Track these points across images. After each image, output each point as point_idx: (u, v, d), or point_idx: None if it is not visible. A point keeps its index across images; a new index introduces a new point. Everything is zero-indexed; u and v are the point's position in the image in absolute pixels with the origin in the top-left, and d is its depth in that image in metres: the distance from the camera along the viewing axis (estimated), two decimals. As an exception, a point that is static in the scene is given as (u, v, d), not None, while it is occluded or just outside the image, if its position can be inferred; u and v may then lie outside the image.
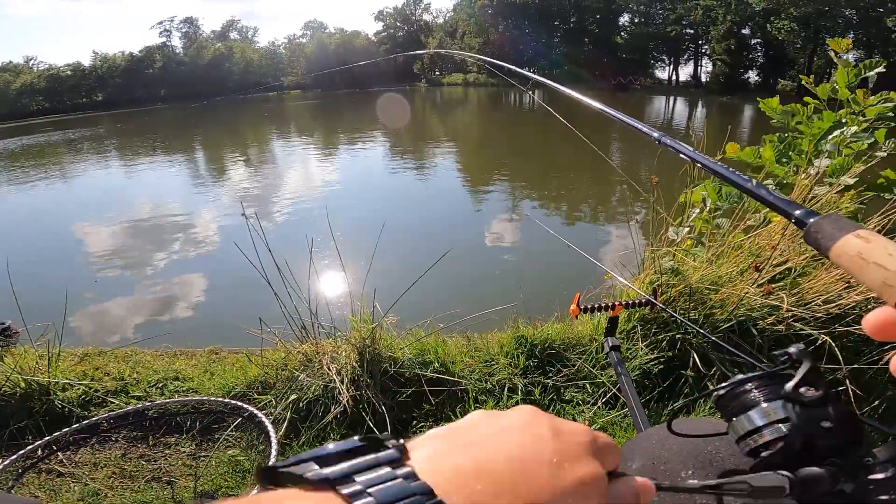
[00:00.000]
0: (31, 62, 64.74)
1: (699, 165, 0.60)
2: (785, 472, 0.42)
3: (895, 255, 0.35)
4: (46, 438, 2.17)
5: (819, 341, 1.99)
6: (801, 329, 2.05)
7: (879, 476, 0.41)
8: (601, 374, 2.33)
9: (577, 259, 2.05)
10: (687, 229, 2.54)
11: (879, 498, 0.40)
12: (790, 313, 2.08)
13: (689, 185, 2.59)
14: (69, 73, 62.56)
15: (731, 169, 0.55)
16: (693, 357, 2.19)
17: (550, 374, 2.39)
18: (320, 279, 2.70)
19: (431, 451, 0.29)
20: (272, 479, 0.27)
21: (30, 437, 2.20)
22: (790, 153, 2.56)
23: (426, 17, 73.32)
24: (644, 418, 1.08)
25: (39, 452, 2.16)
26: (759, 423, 0.49)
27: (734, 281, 2.24)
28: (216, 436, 2.25)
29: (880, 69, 2.41)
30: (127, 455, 2.18)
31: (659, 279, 2.33)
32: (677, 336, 2.29)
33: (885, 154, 2.38)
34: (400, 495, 0.24)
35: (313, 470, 0.26)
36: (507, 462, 0.29)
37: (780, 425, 0.47)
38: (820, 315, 2.02)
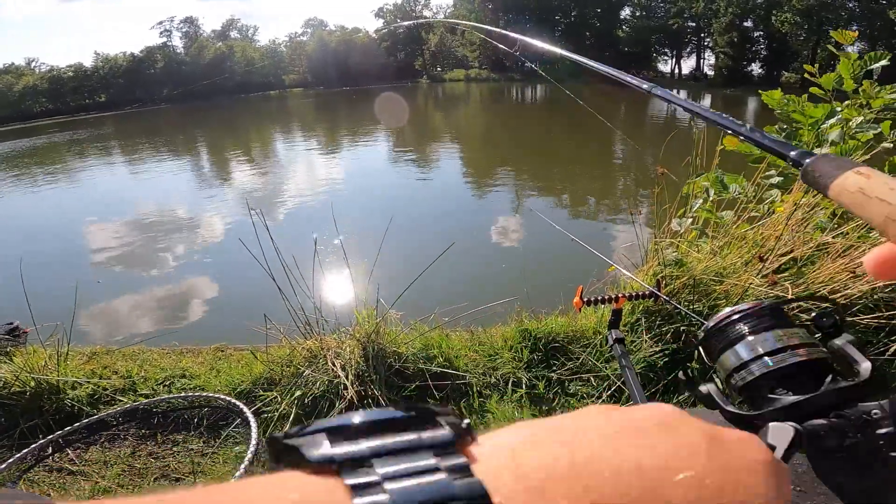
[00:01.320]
0: (33, 64, 64.99)
1: (693, 113, 0.58)
2: (793, 424, 0.38)
3: None
4: (51, 437, 2.19)
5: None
6: (807, 320, 2.05)
7: (887, 430, 0.38)
8: (605, 368, 2.33)
9: (580, 252, 2.05)
10: (690, 220, 2.53)
11: (891, 454, 0.38)
12: (795, 304, 2.07)
13: (691, 176, 2.58)
14: (71, 73, 62.72)
15: (724, 115, 0.53)
16: (698, 349, 2.19)
17: (554, 368, 2.40)
18: (325, 276, 2.71)
19: (507, 439, 0.21)
20: (275, 454, 0.21)
21: (41, 436, 2.22)
22: (792, 143, 2.55)
23: (426, 13, 73.15)
24: None
25: (50, 450, 2.18)
26: (746, 356, 0.48)
27: (738, 272, 2.24)
28: (223, 432, 2.27)
29: (884, 62, 2.40)
30: (136, 453, 2.19)
31: (663, 271, 2.32)
32: (682, 328, 2.29)
33: (892, 145, 2.37)
34: (433, 496, 0.17)
35: (320, 446, 0.19)
36: (620, 469, 0.20)
37: (767, 359, 0.46)
38: (826, 305, 2.01)
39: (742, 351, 0.49)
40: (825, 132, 2.40)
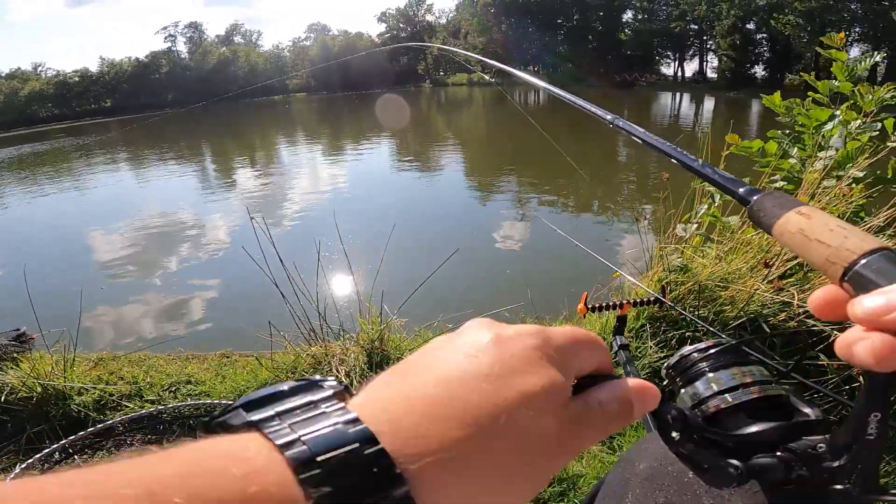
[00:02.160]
0: (39, 68, 65.50)
1: (650, 146, 0.58)
2: (735, 462, 0.43)
3: (836, 231, 0.34)
4: (62, 442, 2.20)
5: (832, 338, 1.98)
6: (813, 325, 2.04)
7: (833, 464, 0.39)
8: (611, 373, 2.33)
9: (584, 258, 2.05)
10: (695, 226, 2.53)
11: (836, 487, 0.39)
12: (801, 309, 2.06)
13: (696, 180, 2.58)
14: (77, 79, 63.19)
15: (679, 149, 0.54)
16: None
17: (560, 374, 2.39)
18: (329, 282, 2.72)
19: (370, 389, 0.27)
20: (209, 433, 0.25)
21: (47, 442, 2.23)
22: (794, 148, 2.54)
23: (429, 17, 73.45)
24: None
25: (57, 456, 2.19)
26: (706, 392, 0.51)
27: (744, 278, 2.24)
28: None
29: (875, 59, 2.40)
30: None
31: (667, 277, 2.32)
32: (687, 334, 2.29)
33: (894, 145, 2.35)
34: (336, 442, 0.22)
35: (240, 416, 0.24)
36: (439, 384, 0.27)
37: (727, 395, 0.49)
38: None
39: (701, 387, 0.52)
40: (827, 136, 2.39)
